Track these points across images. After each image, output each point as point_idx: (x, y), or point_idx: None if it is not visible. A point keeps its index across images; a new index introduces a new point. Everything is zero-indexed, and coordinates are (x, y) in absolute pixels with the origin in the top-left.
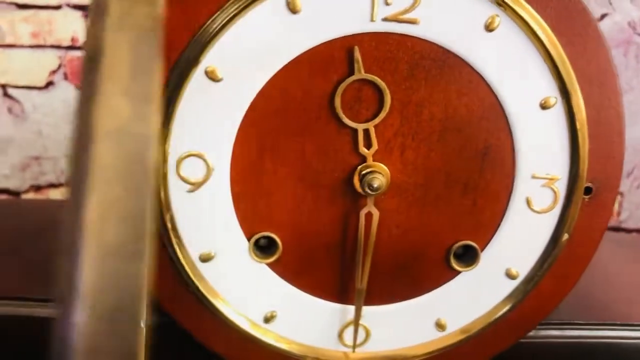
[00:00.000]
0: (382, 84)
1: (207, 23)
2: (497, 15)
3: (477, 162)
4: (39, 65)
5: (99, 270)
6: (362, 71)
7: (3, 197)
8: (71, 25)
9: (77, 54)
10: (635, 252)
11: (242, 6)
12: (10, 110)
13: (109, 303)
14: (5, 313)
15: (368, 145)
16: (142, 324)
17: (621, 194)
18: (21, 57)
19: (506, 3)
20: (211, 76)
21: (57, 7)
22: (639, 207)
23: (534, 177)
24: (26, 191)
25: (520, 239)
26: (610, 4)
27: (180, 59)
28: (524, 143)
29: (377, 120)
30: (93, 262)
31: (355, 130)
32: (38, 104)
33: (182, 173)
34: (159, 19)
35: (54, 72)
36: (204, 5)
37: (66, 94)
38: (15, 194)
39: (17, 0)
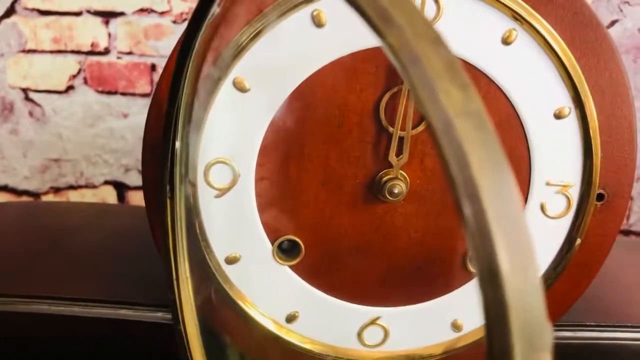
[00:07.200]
0: None
1: (236, 37)
2: (514, 29)
3: None
4: (59, 70)
5: None
6: None
7: (23, 198)
8: (91, 31)
9: (96, 59)
10: None
11: (269, 21)
12: (31, 113)
13: None
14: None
15: (398, 153)
16: None
17: (631, 197)
18: (42, 62)
19: (523, 17)
20: (239, 87)
21: (78, 14)
22: None
23: (548, 184)
24: (46, 193)
25: (534, 243)
26: (621, 10)
27: (211, 70)
28: (538, 151)
29: (419, 129)
30: None
31: (378, 139)
32: (58, 108)
33: (210, 179)
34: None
35: (74, 76)
36: (233, 21)
37: (85, 98)
38: (35, 195)
39: (39, 7)
